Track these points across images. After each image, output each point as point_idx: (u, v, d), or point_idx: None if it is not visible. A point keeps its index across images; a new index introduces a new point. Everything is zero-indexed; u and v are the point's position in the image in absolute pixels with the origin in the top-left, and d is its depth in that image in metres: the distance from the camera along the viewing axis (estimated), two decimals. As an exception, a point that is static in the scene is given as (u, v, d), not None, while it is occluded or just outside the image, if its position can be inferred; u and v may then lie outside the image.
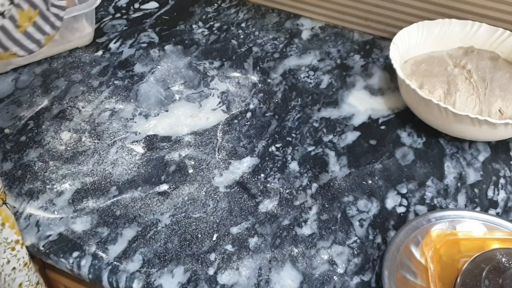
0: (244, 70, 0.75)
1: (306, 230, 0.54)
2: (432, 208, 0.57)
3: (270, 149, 0.63)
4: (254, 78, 0.74)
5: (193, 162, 0.60)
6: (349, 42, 0.82)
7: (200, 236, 0.53)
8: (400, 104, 0.70)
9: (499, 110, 0.62)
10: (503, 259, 0.46)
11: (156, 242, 0.52)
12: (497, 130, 0.58)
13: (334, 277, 0.50)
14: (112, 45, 0.79)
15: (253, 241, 0.53)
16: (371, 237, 0.54)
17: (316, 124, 0.67)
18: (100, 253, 0.51)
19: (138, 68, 0.75)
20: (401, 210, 0.56)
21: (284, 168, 0.60)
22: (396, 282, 0.47)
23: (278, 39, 0.82)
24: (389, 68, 0.76)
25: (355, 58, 0.78)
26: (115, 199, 0.56)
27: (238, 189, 0.58)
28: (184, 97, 0.70)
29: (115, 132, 0.64)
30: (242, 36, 0.82)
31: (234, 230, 0.54)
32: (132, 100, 0.69)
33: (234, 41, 0.81)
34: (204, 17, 0.86)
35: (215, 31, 0.83)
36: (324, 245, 0.52)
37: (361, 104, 0.70)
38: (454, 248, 0.50)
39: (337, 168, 0.61)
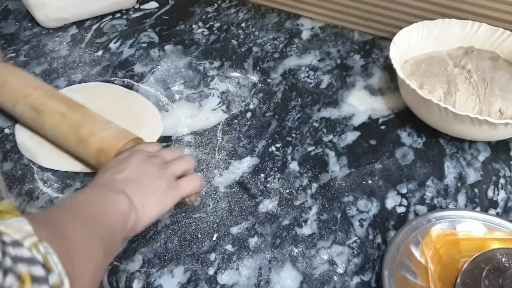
0: (244, 70, 0.75)
1: (306, 230, 0.54)
2: (432, 208, 0.57)
3: (270, 149, 0.63)
4: (254, 78, 0.74)
5: (193, 162, 0.60)
6: (349, 42, 0.82)
7: (200, 236, 0.53)
8: (400, 104, 0.70)
9: (499, 110, 0.62)
10: (503, 259, 0.46)
11: (156, 242, 0.52)
12: (497, 130, 0.58)
13: (334, 277, 0.50)
14: (112, 45, 0.79)
15: (253, 241, 0.53)
16: (371, 237, 0.54)
17: (316, 124, 0.67)
18: (100, 253, 0.51)
19: (138, 68, 0.75)
20: (401, 210, 0.56)
21: (284, 168, 0.60)
22: (396, 282, 0.47)
23: (278, 39, 0.82)
24: (389, 68, 0.76)
25: (355, 58, 0.78)
26: (115, 199, 0.56)
27: (238, 189, 0.58)
28: (184, 97, 0.70)
29: (115, 132, 0.64)
30: (242, 36, 0.82)
31: (234, 230, 0.54)
32: (132, 100, 0.69)
33: (234, 41, 0.81)
34: (204, 17, 0.86)
35: (215, 31, 0.83)
36: (324, 245, 0.52)
37: (361, 104, 0.70)
38: (454, 248, 0.50)
39: (337, 168, 0.61)
